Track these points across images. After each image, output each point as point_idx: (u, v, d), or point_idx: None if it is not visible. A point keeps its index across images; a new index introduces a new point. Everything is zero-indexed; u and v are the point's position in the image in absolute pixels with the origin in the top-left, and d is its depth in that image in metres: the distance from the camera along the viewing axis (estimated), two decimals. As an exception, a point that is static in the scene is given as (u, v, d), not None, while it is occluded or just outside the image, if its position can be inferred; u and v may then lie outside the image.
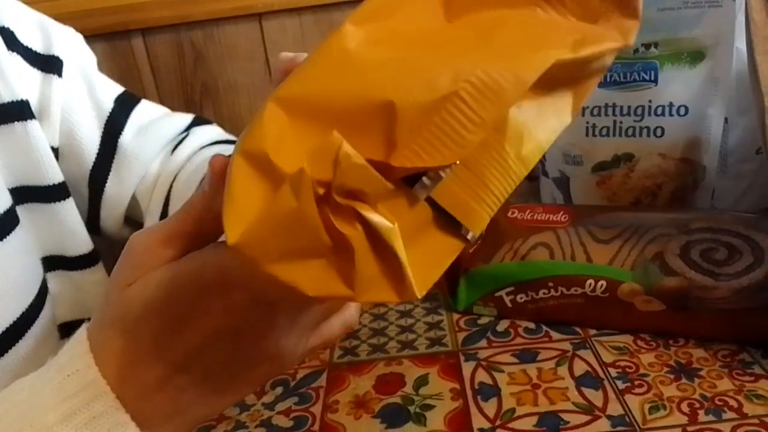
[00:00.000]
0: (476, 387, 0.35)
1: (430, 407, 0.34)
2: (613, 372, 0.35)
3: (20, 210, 0.45)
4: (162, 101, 0.84)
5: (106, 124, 0.51)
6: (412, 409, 0.34)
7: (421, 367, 0.37)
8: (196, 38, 0.85)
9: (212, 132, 0.55)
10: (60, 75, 0.50)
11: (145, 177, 0.51)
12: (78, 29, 0.55)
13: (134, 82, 0.83)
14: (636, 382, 0.34)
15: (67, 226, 0.47)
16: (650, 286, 0.36)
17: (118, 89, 0.53)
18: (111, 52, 0.86)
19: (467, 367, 0.37)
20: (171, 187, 0.50)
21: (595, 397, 0.33)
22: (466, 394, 0.34)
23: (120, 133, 0.51)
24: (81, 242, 0.48)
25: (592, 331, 0.38)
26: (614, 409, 0.32)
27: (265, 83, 0.83)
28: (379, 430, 0.33)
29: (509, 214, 0.42)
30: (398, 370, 0.37)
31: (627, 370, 0.35)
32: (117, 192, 0.51)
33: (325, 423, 0.34)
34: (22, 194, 0.45)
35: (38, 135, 0.45)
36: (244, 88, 0.79)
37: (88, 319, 0.55)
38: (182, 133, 0.54)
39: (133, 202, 0.51)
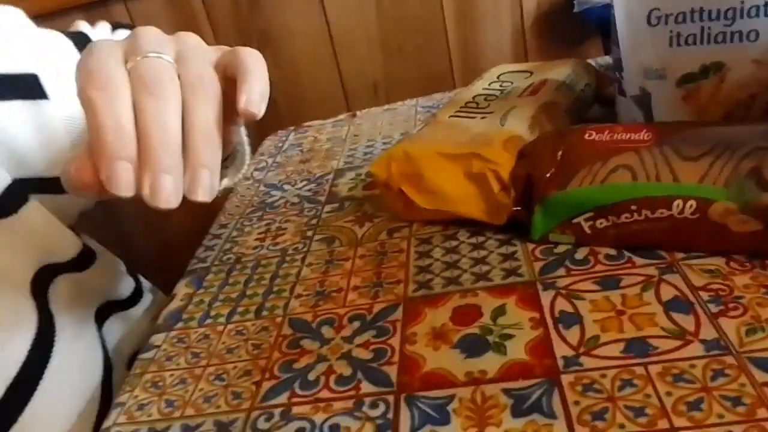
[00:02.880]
0: (557, 315, 0.34)
1: (509, 337, 0.33)
2: (704, 296, 0.33)
3: None
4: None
5: None
6: (491, 339, 0.34)
7: (498, 297, 0.37)
8: (250, -17, 0.84)
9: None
10: (45, 96, 0.42)
11: None
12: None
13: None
14: (730, 305, 0.32)
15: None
16: (746, 204, 0.33)
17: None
18: (169, 5, 0.86)
19: (546, 297, 0.36)
20: None
21: (686, 321, 0.31)
22: (546, 323, 0.34)
23: None
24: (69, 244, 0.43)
25: (680, 255, 0.36)
26: (707, 333, 0.30)
27: (320, 27, 0.81)
28: (459, 360, 0.33)
29: (586, 136, 0.40)
30: (474, 301, 0.37)
31: (720, 293, 0.33)
32: None
33: (404, 354, 0.34)
34: None
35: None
36: (300, 35, 0.78)
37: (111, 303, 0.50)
38: None
39: None
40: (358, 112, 0.78)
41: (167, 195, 0.27)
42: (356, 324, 0.37)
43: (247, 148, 0.46)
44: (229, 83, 0.31)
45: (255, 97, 0.30)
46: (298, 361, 0.35)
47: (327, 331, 0.37)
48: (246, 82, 0.30)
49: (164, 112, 0.28)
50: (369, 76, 0.84)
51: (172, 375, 0.37)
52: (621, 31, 0.42)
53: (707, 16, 0.38)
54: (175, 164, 0.27)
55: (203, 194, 0.28)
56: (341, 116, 0.77)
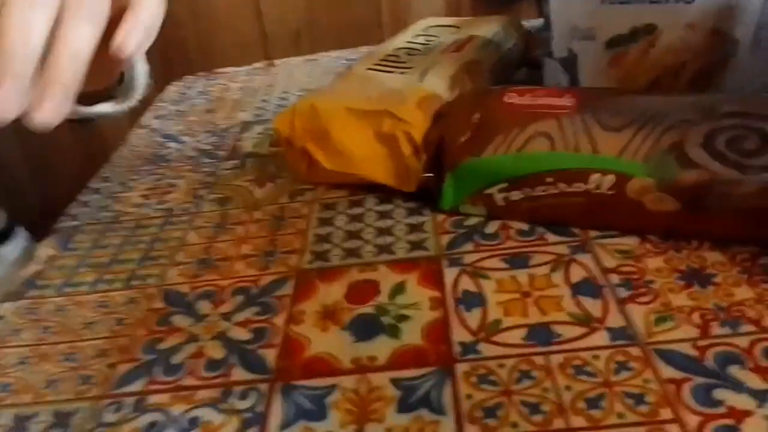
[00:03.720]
0: (459, 296, 0.31)
1: (405, 318, 0.30)
2: (615, 279, 0.30)
3: None
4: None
5: None
6: (385, 320, 0.30)
7: (399, 273, 0.33)
8: None
9: None
10: None
11: None
12: None
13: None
14: (641, 290, 0.29)
15: None
16: (664, 180, 0.31)
17: None
18: None
19: (450, 274, 0.32)
20: None
21: (593, 306, 0.29)
22: (446, 304, 0.30)
23: None
24: None
25: (593, 233, 0.34)
26: (614, 320, 0.28)
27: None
28: (347, 344, 0.29)
29: (506, 99, 0.36)
30: (373, 276, 0.33)
31: (631, 276, 0.30)
32: None
33: (287, 336, 0.30)
34: None
35: None
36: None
37: None
38: None
39: None
40: (276, 61, 0.71)
41: (4, 102, 0.23)
42: (239, 299, 0.33)
43: (141, 80, 0.41)
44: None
45: (131, 38, 0.26)
46: (164, 340, 0.31)
47: (204, 306, 0.33)
48: (129, 17, 0.26)
49: (29, 18, 0.24)
50: (291, 22, 0.77)
51: (14, 353, 0.31)
52: (551, -15, 0.38)
53: (641, -28, 0.34)
54: (24, 73, 0.24)
55: (48, 112, 0.24)
56: (258, 64, 0.71)
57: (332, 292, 0.33)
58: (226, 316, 0.32)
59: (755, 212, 0.30)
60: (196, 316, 0.32)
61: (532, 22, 0.68)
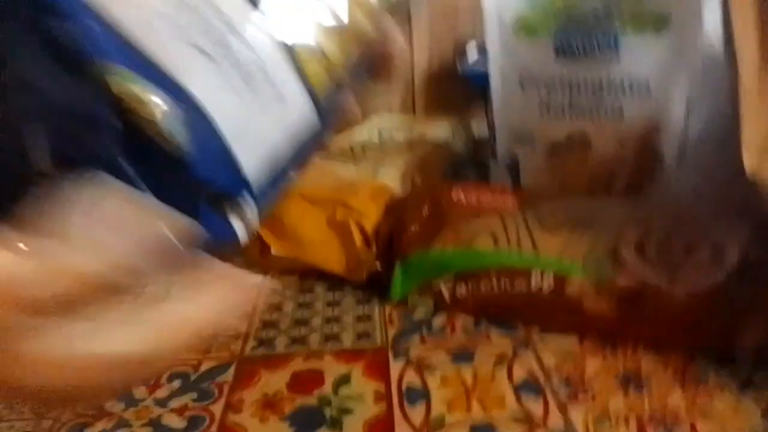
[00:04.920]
0: (404, 389, 0.31)
1: (348, 411, 0.29)
2: (556, 379, 0.31)
3: None
4: None
5: None
6: (328, 412, 0.29)
7: (345, 363, 0.33)
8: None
9: None
10: None
11: None
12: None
13: None
14: (580, 392, 0.30)
15: None
16: (601, 282, 0.32)
17: None
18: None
19: (396, 366, 0.32)
20: None
21: (535, 406, 0.29)
22: (391, 397, 0.30)
23: None
24: None
25: (537, 329, 0.35)
26: (555, 421, 0.28)
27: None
28: (286, 437, 0.28)
29: (453, 194, 0.38)
30: (318, 366, 0.33)
31: (571, 376, 0.31)
32: None
33: (224, 425, 0.29)
34: None
35: None
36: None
37: None
38: None
39: None
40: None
41: None
42: (176, 384, 0.32)
43: None
44: None
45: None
46: (92, 425, 0.29)
47: (139, 391, 0.31)
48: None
49: None
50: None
51: None
52: (495, 93, 0.42)
53: (576, 89, 0.38)
54: None
55: None
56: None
57: (275, 380, 0.32)
58: (161, 402, 0.30)
59: (684, 318, 0.31)
60: (128, 401, 0.30)
61: (481, 124, 0.72)
